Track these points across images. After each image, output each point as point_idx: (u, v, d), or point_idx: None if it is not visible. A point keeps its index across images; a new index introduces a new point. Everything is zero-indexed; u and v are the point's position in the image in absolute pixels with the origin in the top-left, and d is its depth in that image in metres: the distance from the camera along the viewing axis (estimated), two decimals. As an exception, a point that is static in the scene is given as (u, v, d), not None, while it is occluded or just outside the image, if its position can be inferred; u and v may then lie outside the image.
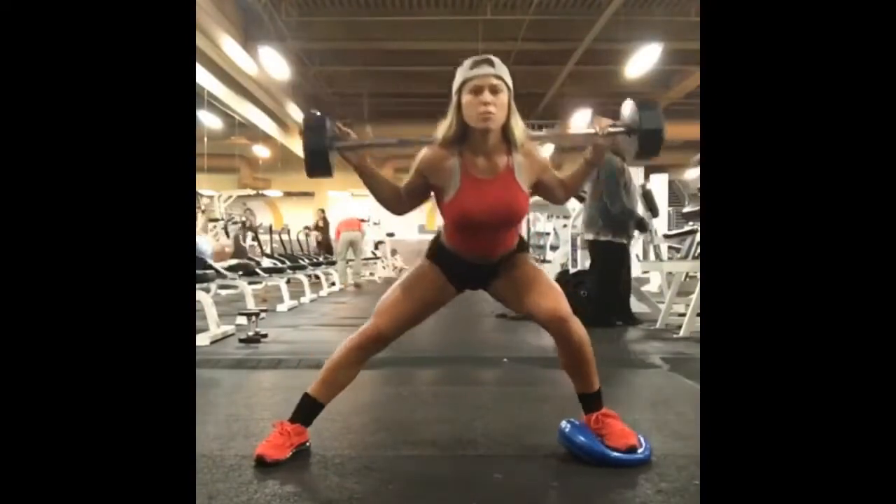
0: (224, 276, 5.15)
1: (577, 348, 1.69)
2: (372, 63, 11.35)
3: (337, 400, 1.76)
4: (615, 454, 1.63)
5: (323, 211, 12.28)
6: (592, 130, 1.68)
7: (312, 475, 1.59)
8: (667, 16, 9.01)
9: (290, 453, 1.65)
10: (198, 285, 4.04)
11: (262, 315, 4.29)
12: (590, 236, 4.53)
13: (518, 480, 1.55)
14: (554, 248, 7.94)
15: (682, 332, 4.00)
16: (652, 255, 5.71)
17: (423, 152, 1.69)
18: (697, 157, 4.48)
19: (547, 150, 15.48)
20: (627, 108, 1.70)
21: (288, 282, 6.83)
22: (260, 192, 15.57)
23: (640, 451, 1.65)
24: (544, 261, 7.73)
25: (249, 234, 9.67)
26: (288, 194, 17.27)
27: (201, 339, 3.66)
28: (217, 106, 11.57)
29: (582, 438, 1.67)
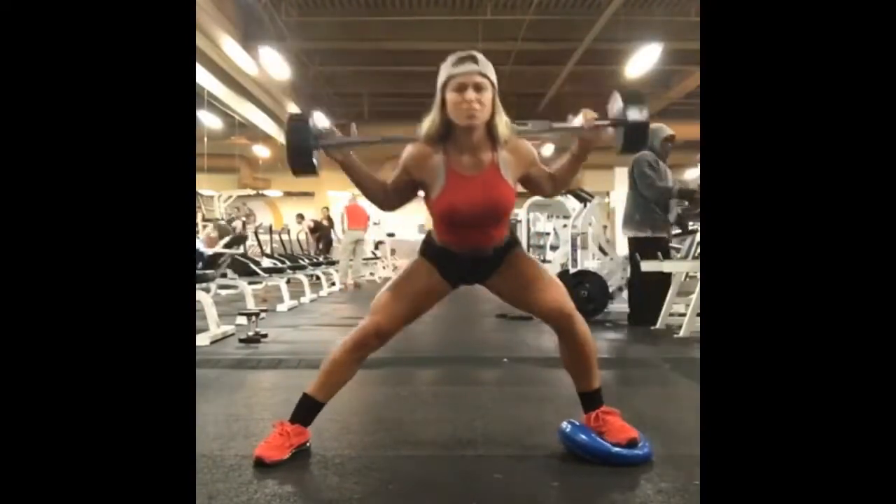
0: (222, 263, 5.13)
1: (580, 345, 1.69)
2: (372, 63, 11.33)
3: (337, 400, 1.76)
4: (617, 449, 1.63)
5: (327, 209, 12.25)
6: (579, 124, 1.68)
7: (312, 475, 1.59)
8: (667, 16, 9.00)
9: (290, 454, 1.65)
10: (198, 285, 4.04)
11: (262, 315, 4.28)
12: (629, 234, 4.50)
13: (518, 480, 1.55)
14: (554, 248, 7.94)
15: (682, 332, 4.00)
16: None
17: (408, 149, 1.69)
18: (698, 156, 4.47)
19: (547, 150, 15.50)
20: (614, 100, 1.71)
21: (288, 282, 6.83)
22: (260, 192, 15.57)
23: (640, 445, 1.65)
24: (544, 261, 7.73)
25: (249, 228, 9.66)
26: (288, 194, 17.27)
27: (201, 339, 3.66)
28: (217, 106, 11.56)
29: (583, 437, 1.68)
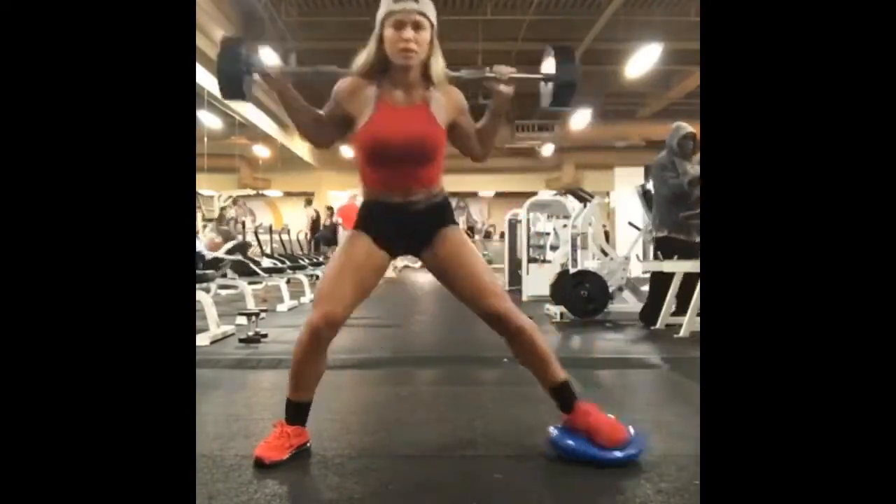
0: (222, 266, 5.13)
1: (527, 340, 1.65)
2: (372, 63, 11.33)
3: (337, 400, 1.76)
4: (608, 455, 1.59)
5: (331, 209, 12.20)
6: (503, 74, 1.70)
7: (312, 475, 1.59)
8: (667, 16, 8.99)
9: (289, 454, 1.65)
10: (198, 285, 4.04)
11: (262, 315, 4.28)
12: (663, 234, 4.48)
13: (518, 480, 1.55)
14: (554, 248, 7.93)
15: (682, 332, 4.00)
16: (651, 255, 5.71)
17: (340, 82, 1.69)
18: (697, 156, 4.47)
19: (547, 150, 15.50)
20: (547, 55, 1.74)
21: (288, 282, 6.82)
22: (260, 192, 15.57)
23: (631, 441, 1.62)
24: (544, 261, 7.73)
25: (248, 228, 9.67)
26: (288, 194, 17.27)
27: (201, 339, 3.66)
28: (217, 106, 11.55)
29: (571, 443, 1.63)
